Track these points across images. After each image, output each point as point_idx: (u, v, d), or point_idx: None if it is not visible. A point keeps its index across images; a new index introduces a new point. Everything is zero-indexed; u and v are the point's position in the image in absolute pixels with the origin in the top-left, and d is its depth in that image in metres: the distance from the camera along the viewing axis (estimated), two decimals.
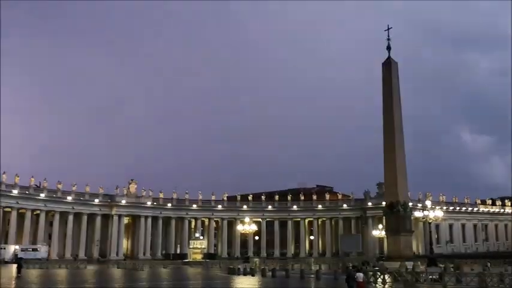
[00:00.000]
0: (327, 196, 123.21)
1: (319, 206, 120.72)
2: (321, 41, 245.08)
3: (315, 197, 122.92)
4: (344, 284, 28.96)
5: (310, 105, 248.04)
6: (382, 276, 38.33)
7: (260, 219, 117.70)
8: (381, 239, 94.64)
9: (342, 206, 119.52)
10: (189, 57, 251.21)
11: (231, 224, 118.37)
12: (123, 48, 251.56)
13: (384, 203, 61.53)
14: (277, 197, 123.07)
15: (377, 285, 36.76)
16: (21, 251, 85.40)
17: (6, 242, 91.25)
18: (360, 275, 27.57)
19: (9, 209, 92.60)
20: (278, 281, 42.52)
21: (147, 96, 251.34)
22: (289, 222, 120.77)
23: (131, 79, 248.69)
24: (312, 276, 45.16)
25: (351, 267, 29.56)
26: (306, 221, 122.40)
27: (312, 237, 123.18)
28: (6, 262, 77.46)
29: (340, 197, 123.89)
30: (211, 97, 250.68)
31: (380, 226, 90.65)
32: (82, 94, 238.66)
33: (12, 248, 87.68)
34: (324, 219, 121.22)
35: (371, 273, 39.94)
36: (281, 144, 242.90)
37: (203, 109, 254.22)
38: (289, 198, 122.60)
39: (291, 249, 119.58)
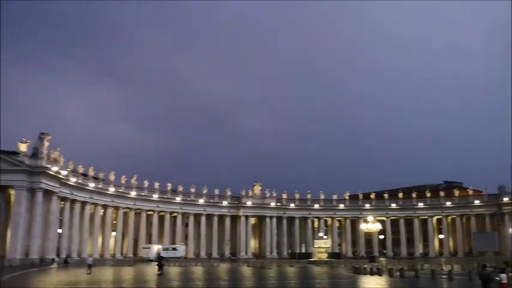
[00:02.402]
0: (456, 192, 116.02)
1: (448, 203, 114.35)
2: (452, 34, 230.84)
3: (442, 194, 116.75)
4: (479, 286, 28.01)
5: (433, 96, 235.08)
6: None
7: (384, 218, 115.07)
8: None
9: (473, 202, 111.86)
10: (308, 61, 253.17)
11: (354, 223, 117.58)
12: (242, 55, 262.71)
13: None
14: (401, 195, 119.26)
15: None
16: (163, 250, 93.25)
17: (150, 242, 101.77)
18: (504, 276, 26.47)
19: (151, 212, 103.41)
20: (407, 282, 41.74)
21: (262, 100, 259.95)
22: (416, 221, 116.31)
23: (247, 84, 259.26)
24: (444, 276, 43.56)
25: (487, 267, 28.31)
26: (434, 218, 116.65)
27: (441, 236, 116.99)
28: (151, 260, 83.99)
29: (470, 192, 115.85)
30: (330, 96, 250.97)
31: None
32: (203, 100, 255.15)
33: (155, 248, 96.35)
34: (454, 216, 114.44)
35: (511, 274, 37.54)
36: (402, 139, 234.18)
37: (320, 107, 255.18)
38: (414, 195, 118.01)
39: (419, 249, 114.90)
